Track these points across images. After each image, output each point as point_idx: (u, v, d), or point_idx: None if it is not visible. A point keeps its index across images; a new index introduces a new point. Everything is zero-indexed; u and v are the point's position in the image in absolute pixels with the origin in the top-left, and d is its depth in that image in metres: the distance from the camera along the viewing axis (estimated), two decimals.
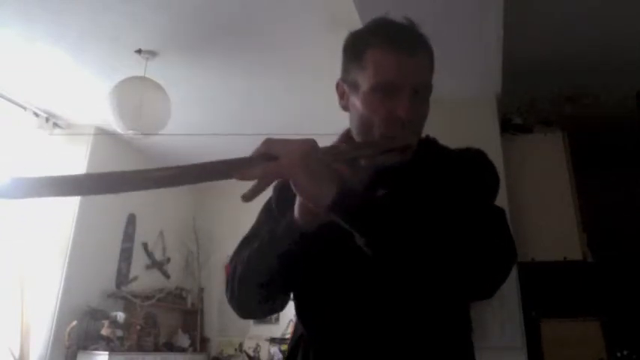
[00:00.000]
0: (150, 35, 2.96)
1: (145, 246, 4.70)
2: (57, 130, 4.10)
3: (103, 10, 2.72)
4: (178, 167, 0.65)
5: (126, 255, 4.45)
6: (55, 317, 3.70)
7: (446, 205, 0.76)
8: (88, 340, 3.81)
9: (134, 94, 2.97)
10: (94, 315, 3.89)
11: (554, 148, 2.89)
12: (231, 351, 4.84)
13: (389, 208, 0.72)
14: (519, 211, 2.62)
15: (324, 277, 0.86)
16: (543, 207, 2.74)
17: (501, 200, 0.87)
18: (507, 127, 2.98)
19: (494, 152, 2.70)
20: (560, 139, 2.91)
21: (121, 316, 3.96)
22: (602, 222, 2.90)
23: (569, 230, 2.68)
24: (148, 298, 4.41)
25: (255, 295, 0.86)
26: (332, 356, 0.84)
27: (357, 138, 0.90)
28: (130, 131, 3.08)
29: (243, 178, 0.66)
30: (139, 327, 4.13)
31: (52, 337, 3.65)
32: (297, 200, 0.76)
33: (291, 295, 0.92)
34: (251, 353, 4.64)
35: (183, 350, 4.64)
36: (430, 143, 0.95)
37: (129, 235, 4.51)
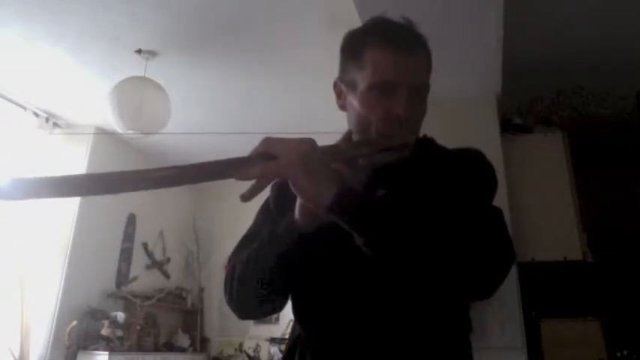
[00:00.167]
0: (150, 35, 2.97)
1: (145, 246, 4.70)
2: (57, 130, 4.10)
3: (103, 10, 2.72)
4: (178, 167, 0.65)
5: (126, 255, 4.45)
6: (55, 317, 3.70)
7: (444, 205, 0.76)
8: (88, 340, 3.81)
9: (134, 94, 2.97)
10: (94, 315, 3.89)
11: (554, 148, 2.88)
12: (231, 351, 4.84)
13: (388, 209, 0.71)
14: (519, 211, 2.62)
15: (323, 278, 0.86)
16: (543, 207, 2.74)
17: (501, 200, 0.87)
18: (507, 127, 2.97)
19: (494, 152, 2.71)
20: (560, 139, 2.90)
21: (121, 316, 3.96)
22: (602, 222, 2.89)
23: (569, 230, 2.67)
24: (148, 298, 4.41)
25: (254, 295, 0.86)
26: (330, 357, 0.83)
27: (354, 137, 0.90)
28: (130, 131, 3.08)
29: (242, 177, 0.66)
30: (139, 327, 4.13)
31: (52, 337, 3.65)
32: (298, 201, 0.75)
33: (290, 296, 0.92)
34: (251, 353, 4.64)
35: (183, 350, 4.63)
36: (428, 143, 0.95)
37: (129, 235, 4.51)
